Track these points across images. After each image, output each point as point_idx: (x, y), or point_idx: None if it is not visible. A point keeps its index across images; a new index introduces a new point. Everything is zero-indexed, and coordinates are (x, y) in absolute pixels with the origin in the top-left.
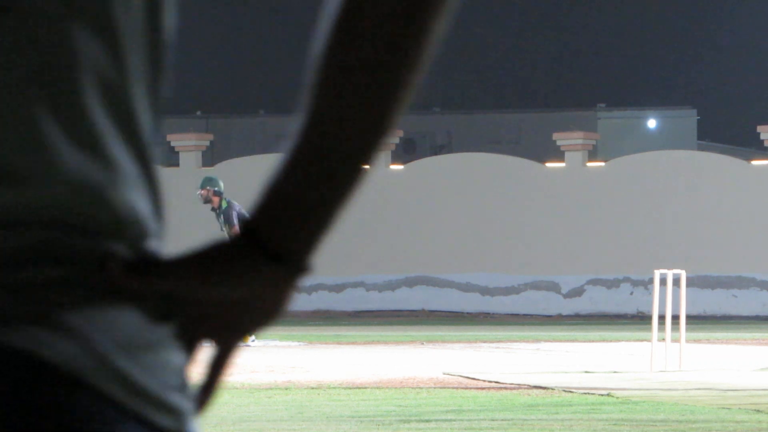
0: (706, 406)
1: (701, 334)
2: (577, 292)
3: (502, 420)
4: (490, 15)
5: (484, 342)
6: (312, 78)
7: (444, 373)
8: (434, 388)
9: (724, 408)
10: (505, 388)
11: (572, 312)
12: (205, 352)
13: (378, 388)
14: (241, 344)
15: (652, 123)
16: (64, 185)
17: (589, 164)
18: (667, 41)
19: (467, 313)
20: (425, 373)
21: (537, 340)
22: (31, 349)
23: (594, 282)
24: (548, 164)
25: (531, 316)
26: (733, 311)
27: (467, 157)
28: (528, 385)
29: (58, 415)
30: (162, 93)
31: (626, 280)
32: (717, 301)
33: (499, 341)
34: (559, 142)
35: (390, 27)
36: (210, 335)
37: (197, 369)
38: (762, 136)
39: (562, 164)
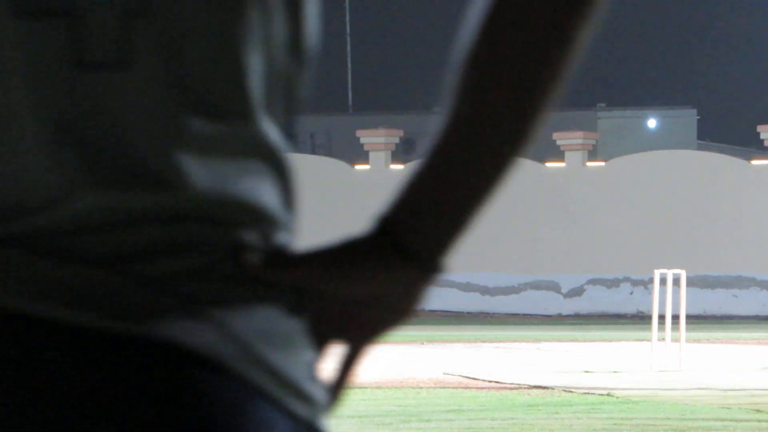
0: (706, 405)
1: (701, 334)
2: (577, 292)
3: (502, 420)
4: None
5: (484, 342)
6: (455, 79)
7: (444, 373)
8: (434, 387)
9: (724, 408)
10: (505, 388)
11: (572, 312)
12: (336, 350)
13: (378, 387)
14: (373, 344)
15: (652, 123)
16: (200, 182)
17: (589, 164)
18: (667, 41)
19: (467, 312)
20: (425, 373)
21: (537, 340)
22: (173, 338)
23: (594, 282)
24: (548, 164)
25: (531, 315)
26: (733, 311)
27: None
28: (528, 385)
29: (200, 400)
30: (300, 94)
31: (626, 279)
32: (717, 301)
33: (499, 341)
34: (559, 142)
35: (535, 34)
36: (340, 333)
37: (327, 367)
38: (762, 136)
39: (562, 164)
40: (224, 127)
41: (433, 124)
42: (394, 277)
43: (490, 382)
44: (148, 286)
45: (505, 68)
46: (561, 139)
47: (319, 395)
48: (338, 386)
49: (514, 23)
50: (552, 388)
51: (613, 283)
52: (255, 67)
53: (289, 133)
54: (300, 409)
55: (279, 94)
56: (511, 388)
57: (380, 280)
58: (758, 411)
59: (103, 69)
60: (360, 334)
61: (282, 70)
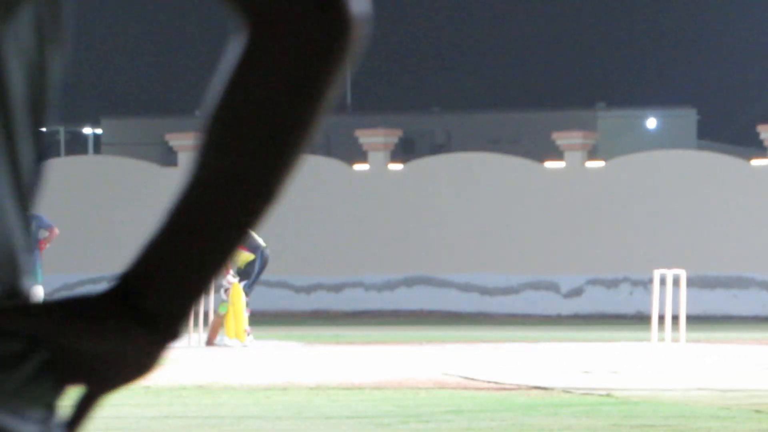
0: (705, 406)
1: (701, 334)
2: (576, 292)
3: (501, 420)
4: (489, 15)
5: (483, 342)
6: (200, 136)
7: (443, 374)
8: (433, 388)
9: (723, 408)
10: (504, 389)
11: (571, 312)
12: (74, 392)
13: (377, 388)
14: (109, 393)
15: (651, 122)
16: None
17: (589, 164)
18: (666, 41)
19: (466, 313)
20: (424, 374)
21: (536, 341)
22: None
23: (593, 282)
24: (547, 164)
25: (530, 316)
26: (733, 311)
27: (466, 157)
28: (527, 386)
29: None
30: (40, 145)
31: (626, 280)
32: (717, 301)
33: (498, 341)
34: (558, 142)
35: (284, 90)
36: (74, 380)
37: (65, 406)
38: (762, 136)
39: (561, 164)
40: None
41: (431, 123)
42: (129, 339)
43: (489, 382)
44: None
45: (252, 125)
46: (560, 139)
47: None
48: (71, 428)
49: (263, 79)
50: (551, 389)
51: (612, 284)
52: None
53: (39, 156)
54: None
55: (25, 141)
56: (510, 389)
57: (113, 341)
58: (758, 411)
59: None
60: (96, 383)
61: (24, 121)
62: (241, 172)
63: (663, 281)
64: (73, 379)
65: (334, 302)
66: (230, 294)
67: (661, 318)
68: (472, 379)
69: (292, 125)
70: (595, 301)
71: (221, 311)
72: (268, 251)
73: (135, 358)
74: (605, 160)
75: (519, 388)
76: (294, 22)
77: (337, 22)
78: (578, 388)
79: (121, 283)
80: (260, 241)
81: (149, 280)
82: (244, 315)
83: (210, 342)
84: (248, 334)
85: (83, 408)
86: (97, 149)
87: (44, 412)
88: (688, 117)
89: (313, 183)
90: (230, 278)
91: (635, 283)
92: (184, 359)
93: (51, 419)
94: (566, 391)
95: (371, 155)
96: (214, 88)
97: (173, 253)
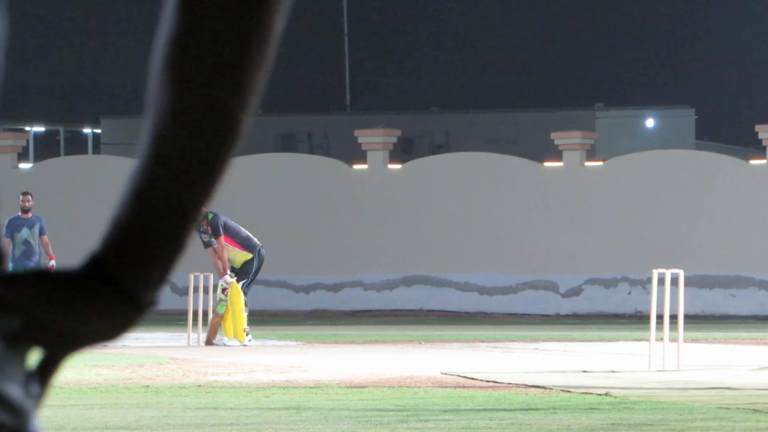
0: (704, 405)
1: (699, 334)
2: (575, 292)
3: (500, 419)
4: (487, 15)
5: (482, 342)
6: (150, 96)
7: (442, 373)
8: (432, 387)
9: (722, 407)
10: (503, 388)
11: (570, 312)
12: (36, 356)
13: (376, 387)
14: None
15: (650, 122)
16: None
17: (588, 164)
18: (665, 41)
19: (465, 312)
20: (423, 373)
21: (535, 340)
22: None
23: (592, 281)
24: (546, 164)
25: (529, 315)
26: (731, 311)
27: (465, 157)
28: (526, 385)
29: None
30: None
31: (624, 279)
32: (715, 301)
33: (497, 341)
34: (557, 142)
35: (232, 26)
36: (40, 343)
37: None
38: (760, 136)
39: (560, 164)
40: None
41: (430, 123)
42: (110, 312)
43: (488, 381)
44: None
45: (203, 67)
46: (559, 138)
47: (26, 401)
48: (42, 389)
49: (209, 17)
50: (550, 388)
51: (611, 283)
52: None
53: None
54: (1, 416)
55: None
56: (508, 388)
57: (96, 314)
58: (756, 411)
59: None
60: (62, 348)
61: None
62: (195, 116)
63: (661, 281)
64: (41, 344)
65: (333, 302)
66: (228, 294)
67: (660, 317)
68: (471, 378)
69: (244, 66)
70: (593, 300)
71: (220, 311)
72: (264, 251)
73: (108, 327)
74: (604, 159)
75: (517, 387)
76: None
77: None
78: (577, 388)
79: (95, 258)
80: (256, 240)
81: (122, 255)
82: (244, 315)
83: (209, 342)
84: (247, 334)
85: (50, 370)
86: (97, 149)
87: (23, 375)
88: (686, 117)
89: (312, 183)
90: (228, 278)
91: (634, 283)
92: (184, 359)
93: (30, 381)
94: (565, 390)
95: (370, 155)
96: (159, 39)
97: (141, 225)
